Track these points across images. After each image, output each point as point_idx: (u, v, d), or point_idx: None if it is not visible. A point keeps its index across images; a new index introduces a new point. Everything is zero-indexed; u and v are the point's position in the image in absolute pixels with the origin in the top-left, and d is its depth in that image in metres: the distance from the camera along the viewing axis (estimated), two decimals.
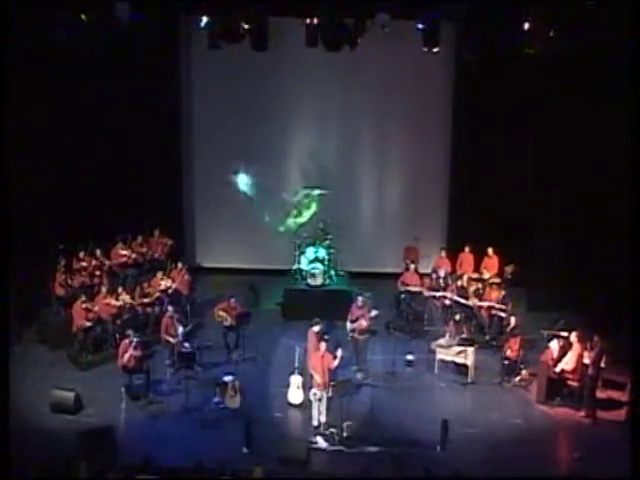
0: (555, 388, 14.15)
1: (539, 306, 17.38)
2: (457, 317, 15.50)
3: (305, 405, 13.69)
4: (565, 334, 14.34)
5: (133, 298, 16.25)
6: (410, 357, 15.49)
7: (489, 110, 18.16)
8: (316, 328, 14.14)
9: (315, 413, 13.27)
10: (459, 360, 14.99)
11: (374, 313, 15.06)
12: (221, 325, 15.67)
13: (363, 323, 14.99)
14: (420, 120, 19.43)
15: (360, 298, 15.37)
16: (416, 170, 19.85)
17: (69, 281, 16.62)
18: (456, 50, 18.33)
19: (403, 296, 17.30)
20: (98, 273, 17.07)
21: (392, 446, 12.59)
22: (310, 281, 17.96)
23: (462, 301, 16.75)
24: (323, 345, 13.43)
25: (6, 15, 11.76)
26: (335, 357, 13.36)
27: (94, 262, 17.25)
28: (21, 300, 15.02)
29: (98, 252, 17.45)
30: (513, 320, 15.39)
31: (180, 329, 14.88)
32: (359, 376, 14.86)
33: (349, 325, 15.13)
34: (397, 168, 20.01)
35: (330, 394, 13.26)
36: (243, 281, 18.58)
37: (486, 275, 17.58)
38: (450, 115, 19.27)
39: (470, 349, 14.94)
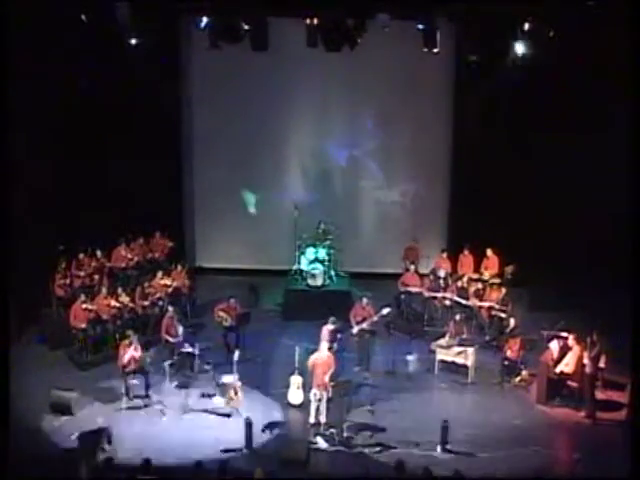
0: (555, 388, 14.14)
1: (539, 306, 17.36)
2: (457, 317, 15.50)
3: (305, 405, 13.67)
4: (565, 334, 14.34)
5: (133, 299, 16.25)
6: (410, 357, 15.48)
7: (489, 110, 18.18)
8: (331, 326, 14.20)
9: (313, 412, 13.26)
10: (459, 360, 14.99)
11: (386, 311, 15.14)
12: (221, 326, 15.67)
13: (374, 319, 15.02)
14: (420, 120, 19.45)
15: (365, 299, 15.39)
16: (416, 170, 19.89)
17: (69, 281, 16.63)
18: (456, 50, 18.34)
19: (403, 297, 17.33)
20: (96, 277, 17.07)
21: (392, 446, 12.59)
22: (310, 282, 17.96)
23: (462, 301, 16.76)
24: (324, 345, 13.44)
25: (6, 15, 11.75)
26: (335, 357, 13.38)
27: (94, 263, 17.26)
28: (21, 300, 15.02)
29: (99, 253, 17.46)
30: (513, 320, 15.39)
31: (180, 329, 14.88)
32: (366, 375, 14.86)
33: (355, 326, 15.13)
34: (397, 168, 20.04)
35: (330, 394, 13.27)
36: (243, 281, 18.59)
37: (486, 275, 17.59)
38: (450, 115, 19.30)
39: (470, 349, 14.95)
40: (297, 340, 14.99)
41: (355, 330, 15.13)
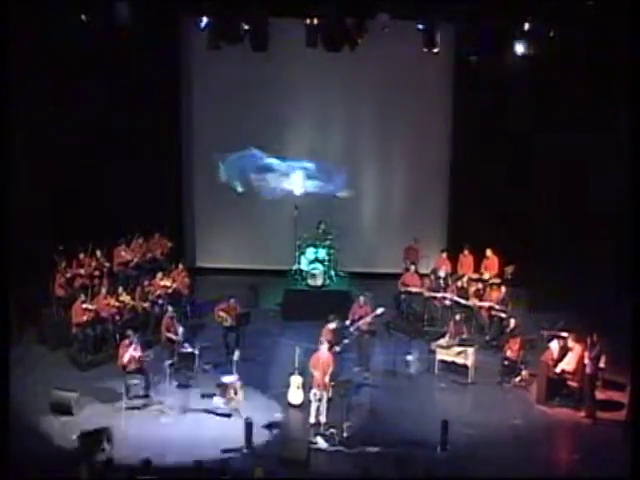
0: (555, 388, 14.14)
1: (539, 306, 17.36)
2: (457, 317, 15.49)
3: (305, 405, 13.67)
4: (565, 334, 14.34)
5: (133, 299, 16.25)
6: (410, 357, 15.48)
7: (489, 111, 18.18)
8: (332, 326, 14.18)
9: (313, 411, 13.27)
10: (459, 360, 14.98)
11: (380, 310, 15.11)
12: (221, 326, 15.66)
13: (367, 320, 15.02)
14: (420, 120, 19.45)
15: (362, 298, 15.40)
16: (416, 170, 19.88)
17: (69, 281, 16.64)
18: (456, 50, 18.34)
19: (403, 297, 17.33)
20: (98, 273, 17.08)
21: (392, 446, 12.55)
22: (310, 282, 17.95)
23: (462, 301, 16.75)
24: (324, 346, 13.44)
25: (6, 15, 11.74)
26: (335, 357, 13.38)
27: (94, 263, 17.26)
28: (21, 300, 15.03)
29: (98, 253, 17.45)
30: (513, 321, 15.39)
31: (180, 329, 14.88)
32: (366, 375, 14.87)
33: (352, 325, 15.15)
34: (397, 168, 20.03)
35: (330, 394, 13.27)
36: (243, 281, 18.58)
37: (486, 275, 17.58)
38: (450, 115, 19.29)
39: (470, 349, 14.94)
40: (297, 340, 15.00)
41: (352, 328, 15.14)
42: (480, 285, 17.36)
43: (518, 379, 14.77)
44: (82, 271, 16.96)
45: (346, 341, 14.21)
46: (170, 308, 15.44)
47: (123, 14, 15.12)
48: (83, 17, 15.66)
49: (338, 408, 13.07)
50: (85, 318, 15.28)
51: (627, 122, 13.08)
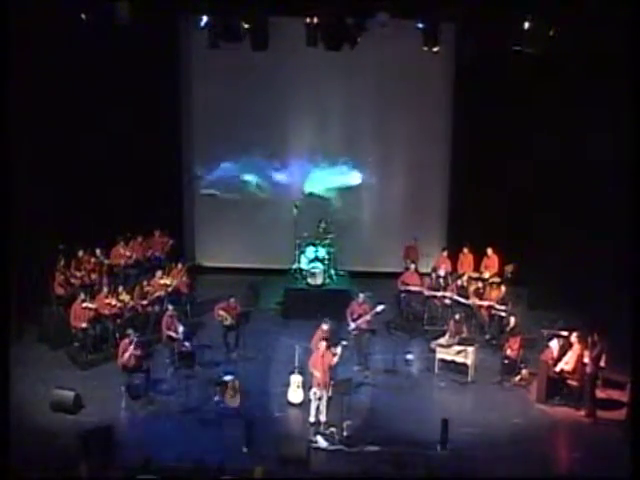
0: (555, 387, 14.14)
1: (539, 305, 17.39)
2: (457, 316, 15.49)
3: (305, 404, 13.67)
4: (565, 333, 14.35)
5: (133, 298, 16.26)
6: (410, 356, 15.49)
7: (489, 110, 18.17)
8: (325, 327, 14.19)
9: (313, 410, 13.27)
10: (459, 359, 14.99)
11: (380, 308, 15.11)
12: (221, 325, 15.67)
13: (367, 318, 15.02)
14: (420, 120, 19.45)
15: (361, 295, 15.41)
16: (416, 170, 19.87)
17: (69, 280, 16.65)
18: (456, 50, 18.34)
19: (403, 296, 17.34)
20: (97, 272, 17.07)
21: (392, 446, 12.56)
22: (310, 281, 17.96)
23: (462, 300, 16.76)
24: (323, 344, 13.44)
25: (6, 14, 11.73)
26: (335, 355, 13.38)
27: (93, 260, 17.27)
28: (21, 300, 15.03)
29: (98, 252, 17.47)
30: (513, 319, 15.39)
31: (180, 328, 14.89)
32: (367, 374, 14.87)
33: (352, 323, 15.14)
34: (397, 168, 20.02)
35: (330, 393, 13.28)
36: (243, 281, 18.58)
37: (486, 275, 17.59)
38: (450, 115, 19.29)
39: (470, 348, 14.95)
40: (297, 339, 14.98)
41: (351, 327, 15.14)
42: (480, 284, 17.38)
43: (518, 378, 14.78)
44: (82, 270, 16.97)
45: (344, 343, 14.21)
46: (170, 307, 15.46)
47: (123, 13, 15.12)
48: (83, 16, 15.65)
49: (338, 407, 13.07)
50: (84, 325, 15.28)
51: (627, 122, 13.09)
